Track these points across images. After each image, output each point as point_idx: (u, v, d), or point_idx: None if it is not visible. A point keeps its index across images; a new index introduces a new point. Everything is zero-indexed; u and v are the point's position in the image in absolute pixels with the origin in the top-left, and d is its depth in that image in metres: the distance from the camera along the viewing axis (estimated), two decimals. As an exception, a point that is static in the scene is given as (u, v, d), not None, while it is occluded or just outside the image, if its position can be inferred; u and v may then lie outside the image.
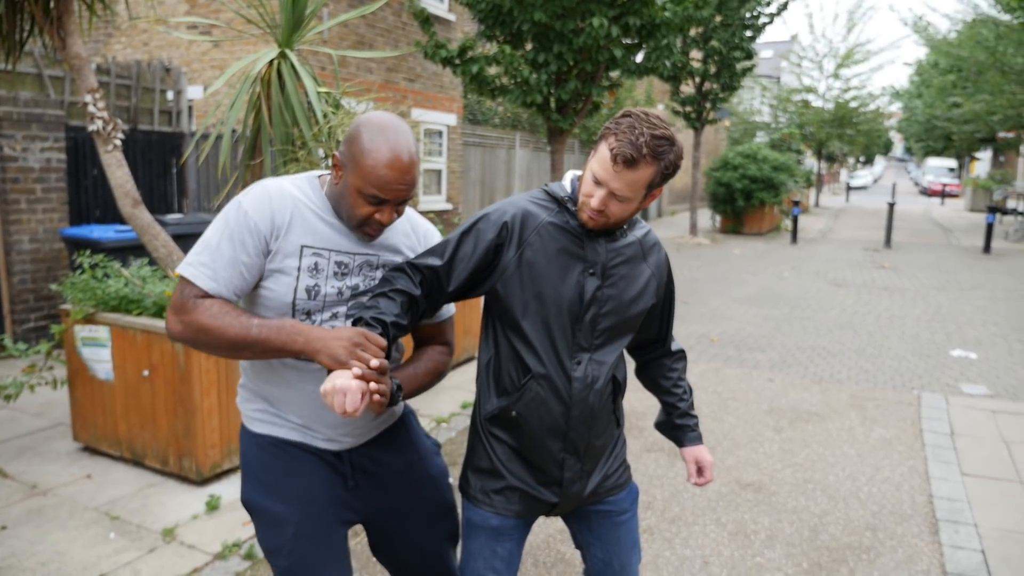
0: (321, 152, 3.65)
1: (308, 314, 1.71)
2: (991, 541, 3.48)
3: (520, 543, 1.94)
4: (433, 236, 1.93)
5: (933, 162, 41.43)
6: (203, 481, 3.81)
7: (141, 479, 3.89)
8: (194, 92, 8.96)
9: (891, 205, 16.47)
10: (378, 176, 1.59)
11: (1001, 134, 23.62)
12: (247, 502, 1.83)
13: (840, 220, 23.42)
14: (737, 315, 8.61)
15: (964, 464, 4.37)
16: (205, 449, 3.77)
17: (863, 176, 51.57)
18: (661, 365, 2.11)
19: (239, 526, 3.43)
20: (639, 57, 9.83)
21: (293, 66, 3.53)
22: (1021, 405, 5.47)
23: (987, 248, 15.14)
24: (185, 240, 5.13)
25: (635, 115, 1.64)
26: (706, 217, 20.44)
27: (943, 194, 35.76)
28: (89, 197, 6.67)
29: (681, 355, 2.13)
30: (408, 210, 1.91)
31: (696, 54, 16.29)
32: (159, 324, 3.75)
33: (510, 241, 1.75)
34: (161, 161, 7.33)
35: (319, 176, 1.81)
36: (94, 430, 4.13)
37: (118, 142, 4.06)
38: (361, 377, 1.50)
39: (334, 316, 1.74)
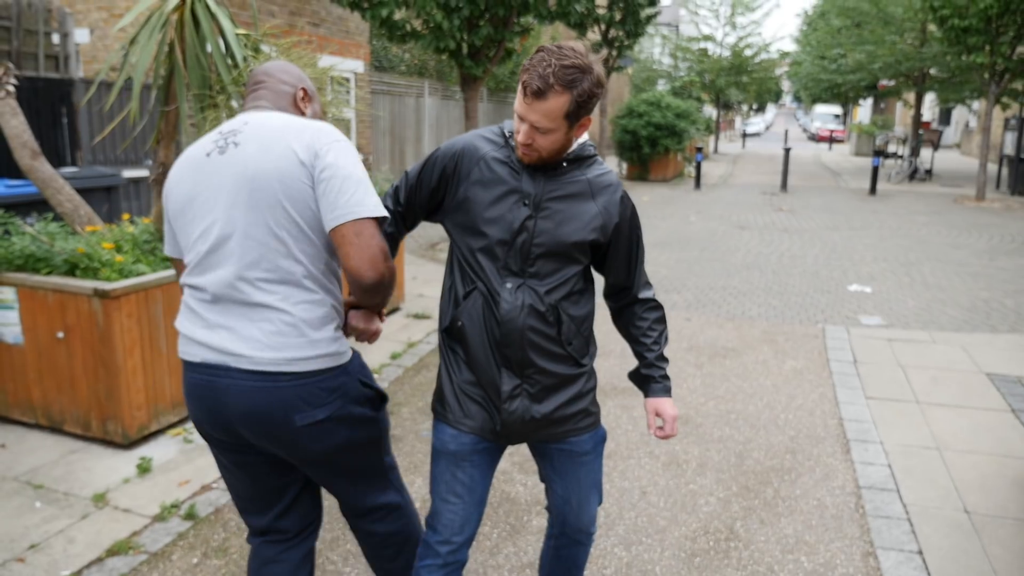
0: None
1: None
2: (895, 456, 3.81)
3: (484, 471, 2.00)
4: None
5: (820, 109, 43.30)
6: (130, 444, 3.66)
7: (62, 445, 3.70)
8: (80, 36, 8.27)
9: (787, 151, 17.20)
10: None
11: (883, 82, 24.87)
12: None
13: (738, 165, 24.28)
14: (651, 259, 8.86)
15: (867, 388, 4.73)
16: (131, 411, 3.62)
17: (756, 123, 53.44)
18: (632, 313, 2.10)
19: (175, 487, 3.34)
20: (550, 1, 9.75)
21: (208, 5, 3.33)
22: (913, 333, 5.93)
23: (873, 190, 16.10)
24: (83, 195, 4.76)
25: (547, 49, 1.74)
26: (613, 164, 20.75)
27: (830, 139, 37.57)
28: (-32, 150, 6.11)
29: (652, 305, 2.09)
30: None
31: (602, 0, 16.29)
32: (72, 283, 3.53)
33: (455, 171, 1.90)
34: (49, 110, 6.75)
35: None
36: (4, 397, 3.88)
37: (11, 88, 3.74)
38: None
39: None
